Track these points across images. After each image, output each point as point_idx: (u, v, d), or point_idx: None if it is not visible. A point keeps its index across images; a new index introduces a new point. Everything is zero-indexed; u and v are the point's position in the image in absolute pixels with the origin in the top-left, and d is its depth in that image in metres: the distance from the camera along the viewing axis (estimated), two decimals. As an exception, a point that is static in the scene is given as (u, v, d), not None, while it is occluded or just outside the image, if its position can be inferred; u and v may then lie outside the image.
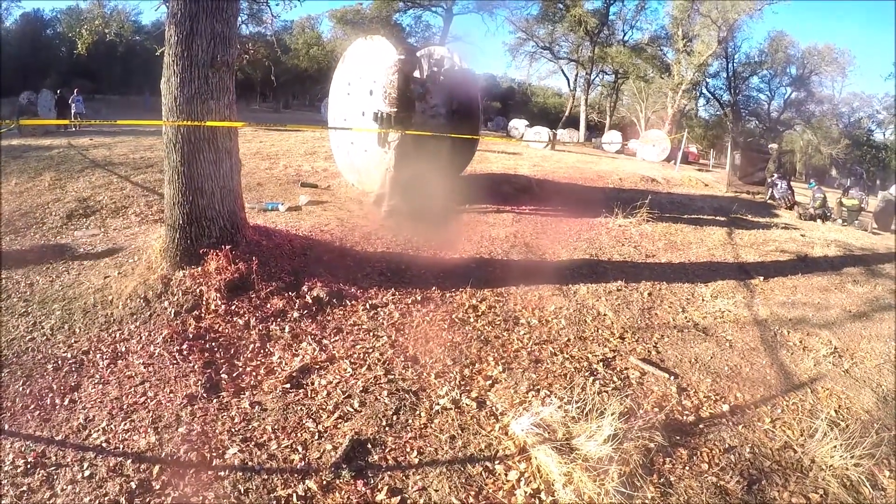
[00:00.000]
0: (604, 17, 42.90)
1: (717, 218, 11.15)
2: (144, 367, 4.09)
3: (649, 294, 6.32)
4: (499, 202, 9.69)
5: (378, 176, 8.59)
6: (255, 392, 3.91)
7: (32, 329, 4.56)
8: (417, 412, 3.79)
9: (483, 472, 3.27)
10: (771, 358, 5.15)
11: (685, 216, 10.72)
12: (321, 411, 3.73)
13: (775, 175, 15.74)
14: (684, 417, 4.05)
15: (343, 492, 3.04)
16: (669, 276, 7.00)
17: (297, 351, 4.44)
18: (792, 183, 15.80)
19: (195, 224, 5.20)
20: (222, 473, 3.11)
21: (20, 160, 11.17)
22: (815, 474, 3.54)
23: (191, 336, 4.46)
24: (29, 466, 3.11)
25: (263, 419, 3.61)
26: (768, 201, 15.03)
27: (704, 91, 45.99)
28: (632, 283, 6.52)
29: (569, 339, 5.09)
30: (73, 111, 22.38)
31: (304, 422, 3.60)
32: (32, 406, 3.68)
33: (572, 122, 44.86)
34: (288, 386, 3.97)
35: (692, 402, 4.27)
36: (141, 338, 4.45)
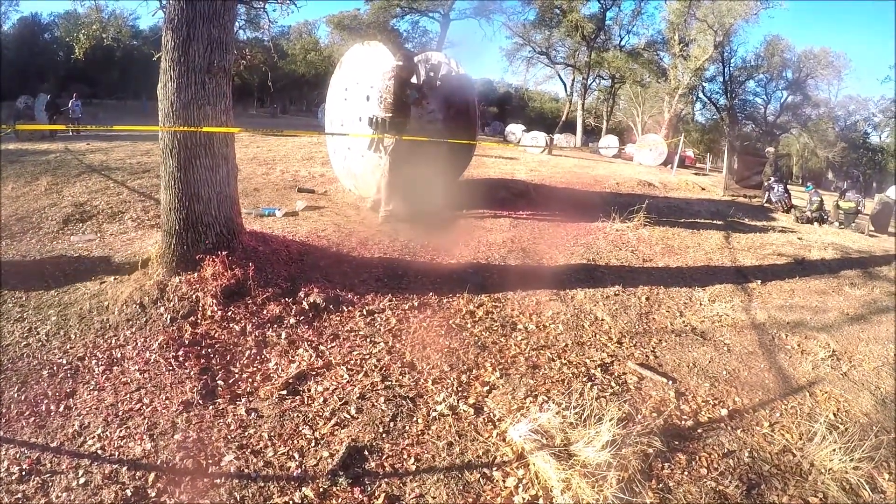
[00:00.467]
0: (600, 22, 43.12)
1: (715, 222, 11.16)
2: (140, 374, 4.07)
3: (647, 298, 6.31)
4: (496, 207, 9.69)
5: (375, 181, 8.59)
6: (251, 399, 3.89)
7: (28, 335, 4.53)
8: (415, 419, 3.77)
9: (481, 479, 3.25)
10: (769, 362, 5.14)
11: (682, 220, 10.73)
12: (318, 418, 3.71)
13: (772, 178, 15.77)
14: (683, 422, 4.03)
15: (340, 499, 3.02)
16: (667, 280, 6.99)
17: (293, 357, 4.42)
18: (789, 186, 15.83)
19: (191, 230, 5.18)
20: (218, 481, 3.09)
21: (17, 164, 11.16)
22: (814, 478, 3.53)
23: (187, 342, 4.44)
24: (24, 473, 3.09)
25: (260, 426, 3.59)
26: (765, 205, 15.06)
27: (701, 95, 46.22)
28: (629, 288, 6.51)
29: (566, 345, 5.08)
30: (70, 116, 22.41)
31: (300, 429, 3.58)
32: (27, 412, 3.65)
33: (569, 127, 45.04)
34: (284, 392, 3.95)
35: (690, 406, 4.26)
36: (137, 344, 4.42)
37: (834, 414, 4.37)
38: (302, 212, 8.52)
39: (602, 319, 5.68)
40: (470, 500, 3.09)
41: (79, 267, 5.80)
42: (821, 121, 48.37)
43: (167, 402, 3.78)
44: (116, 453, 3.29)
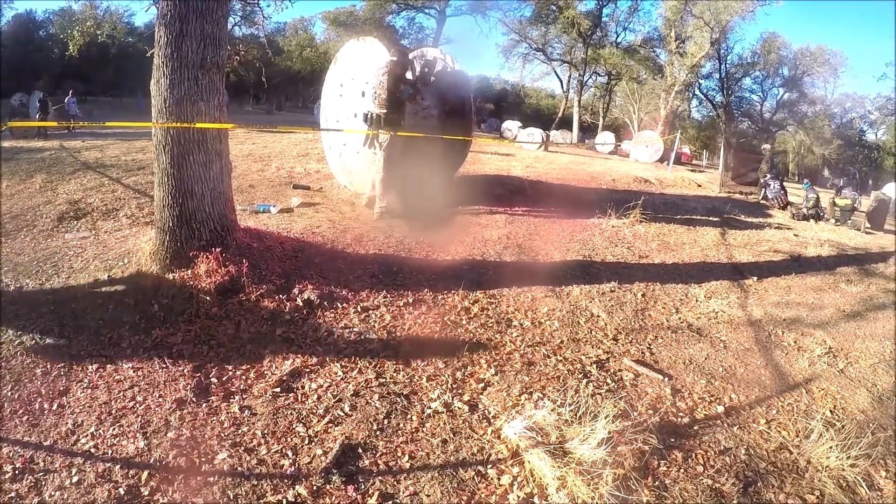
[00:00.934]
0: (597, 18, 43.09)
1: (711, 218, 11.16)
2: (133, 372, 4.04)
3: (643, 295, 6.30)
4: (492, 203, 9.67)
5: (370, 178, 8.56)
6: (244, 396, 3.87)
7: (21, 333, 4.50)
8: (409, 416, 3.76)
9: (475, 477, 3.24)
10: (765, 358, 5.14)
11: (678, 217, 10.72)
12: (312, 415, 3.69)
13: (768, 175, 15.78)
14: (679, 419, 4.02)
15: (333, 497, 3.00)
16: (663, 276, 6.98)
17: (287, 354, 4.40)
18: (785, 183, 15.83)
19: (185, 227, 5.16)
20: (211, 479, 3.07)
21: (11, 162, 11.10)
22: (811, 475, 3.53)
23: (180, 339, 4.42)
24: (17, 472, 3.06)
25: (253, 424, 3.57)
26: (761, 201, 15.08)
27: (697, 92, 46.31)
28: (625, 284, 6.50)
29: (562, 341, 5.06)
30: (67, 114, 22.35)
31: (294, 426, 3.56)
32: (21, 411, 3.62)
33: (565, 124, 45.04)
34: (278, 390, 3.93)
35: (686, 403, 4.25)
36: (130, 341, 4.39)
37: (831, 411, 4.37)
38: (297, 208, 8.49)
39: (598, 316, 5.67)
40: (464, 498, 3.08)
41: (73, 264, 5.77)
42: (817, 118, 48.50)
43: (160, 400, 3.76)
44: (109, 452, 3.26)
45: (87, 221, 7.64)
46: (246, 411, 3.69)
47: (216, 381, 4.01)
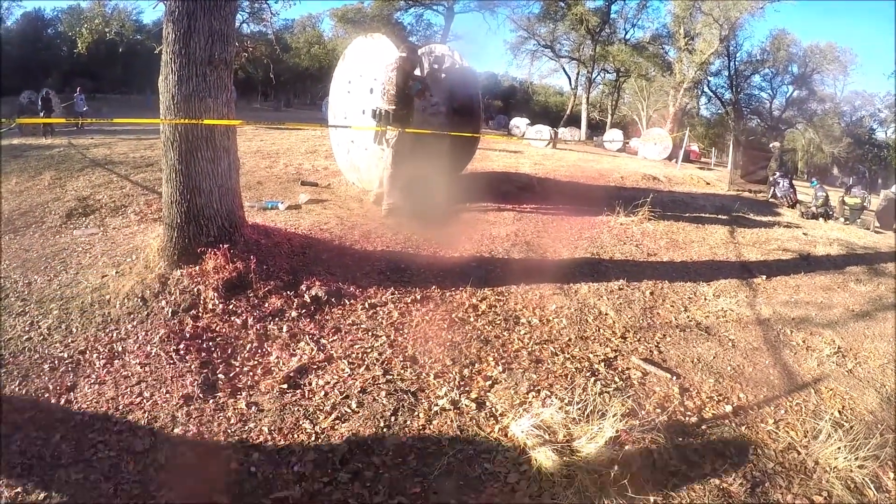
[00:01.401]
0: (605, 15, 42.88)
1: (719, 216, 11.10)
2: (141, 367, 4.06)
3: (651, 293, 6.28)
4: (500, 200, 9.65)
5: (378, 174, 8.55)
6: (251, 392, 3.87)
7: (30, 329, 4.53)
8: (416, 413, 3.75)
9: (482, 475, 3.23)
10: (774, 358, 5.11)
11: (687, 214, 10.67)
12: (318, 412, 3.69)
13: (777, 173, 15.67)
14: (687, 418, 4.00)
15: (340, 494, 3.00)
16: (671, 274, 6.95)
17: (294, 351, 4.40)
18: (794, 181, 15.74)
19: (193, 223, 5.16)
20: (217, 475, 3.08)
21: (21, 159, 11.16)
22: (818, 476, 3.50)
23: (188, 335, 4.43)
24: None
25: (260, 420, 3.57)
26: (770, 200, 14.99)
27: (706, 89, 46.03)
28: (633, 282, 6.48)
29: (570, 339, 5.05)
30: (74, 111, 22.47)
31: (301, 423, 3.57)
32: (29, 407, 3.65)
33: (574, 121, 44.90)
34: (285, 386, 3.94)
35: (694, 402, 4.23)
36: (138, 337, 4.41)
37: (839, 412, 4.34)
38: (305, 205, 8.50)
39: (606, 314, 5.65)
40: (471, 495, 3.07)
41: (81, 260, 5.80)
42: (826, 116, 48.19)
43: (168, 395, 3.77)
44: (117, 447, 3.27)
45: (95, 218, 7.68)
46: (253, 407, 3.70)
47: (223, 377, 4.02)
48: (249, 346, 4.42)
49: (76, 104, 23.64)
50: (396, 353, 4.47)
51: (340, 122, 9.58)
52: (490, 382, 4.19)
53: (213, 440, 3.38)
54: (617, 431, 3.40)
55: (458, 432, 3.58)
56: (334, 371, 4.17)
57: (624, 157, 25.37)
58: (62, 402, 3.68)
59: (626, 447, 3.41)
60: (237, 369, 4.14)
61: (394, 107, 7.74)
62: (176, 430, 3.44)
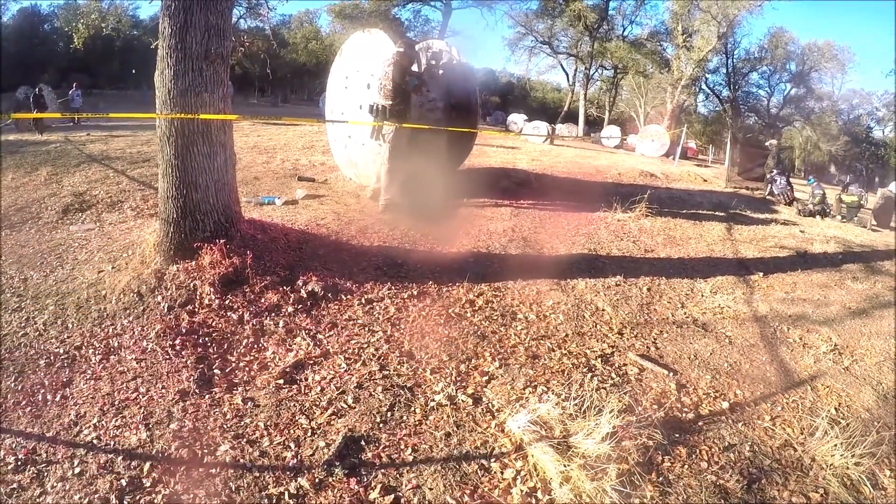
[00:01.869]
0: (603, 12, 42.90)
1: (717, 213, 11.10)
2: (137, 363, 4.05)
3: (648, 289, 6.27)
4: (497, 196, 9.64)
5: (375, 170, 8.54)
6: (247, 388, 3.86)
7: (25, 324, 4.52)
8: (412, 409, 3.74)
9: (479, 470, 3.23)
10: (771, 355, 5.11)
11: (684, 211, 10.67)
12: (314, 407, 3.68)
13: (774, 171, 15.66)
14: (683, 415, 4.00)
15: (336, 490, 2.99)
16: (668, 271, 6.95)
17: (290, 346, 4.39)
18: (791, 179, 15.74)
19: (189, 218, 5.15)
20: (213, 470, 3.07)
21: (17, 155, 11.14)
22: (815, 473, 3.50)
23: (184, 331, 4.42)
24: (19, 463, 3.08)
25: (256, 415, 3.56)
26: (767, 197, 14.98)
27: (704, 87, 46.03)
28: (631, 279, 6.48)
29: (567, 335, 5.04)
30: (70, 106, 22.41)
31: (297, 418, 3.56)
32: (24, 402, 3.64)
33: (571, 117, 44.90)
34: (281, 382, 3.93)
35: (691, 399, 4.23)
36: (133, 333, 4.40)
37: (835, 409, 4.34)
38: (302, 200, 8.48)
39: (603, 310, 5.64)
40: (467, 491, 3.06)
41: (77, 256, 5.78)
42: (824, 114, 48.23)
43: (163, 391, 3.76)
44: (112, 443, 3.27)
45: (91, 213, 7.66)
46: (249, 403, 3.69)
47: (219, 372, 4.01)
48: (245, 341, 4.41)
49: (72, 100, 23.55)
50: (393, 349, 4.47)
51: (338, 118, 9.56)
52: (487, 378, 4.18)
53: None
54: (614, 427, 3.39)
55: (455, 428, 3.58)
56: (331, 366, 4.16)
57: (621, 154, 25.39)
58: (57, 397, 3.67)
59: (624, 443, 3.40)
60: (233, 365, 4.13)
61: (390, 102, 7.72)
62: (172, 425, 3.43)
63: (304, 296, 5.04)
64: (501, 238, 7.39)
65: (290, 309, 4.86)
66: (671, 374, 4.52)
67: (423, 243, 6.82)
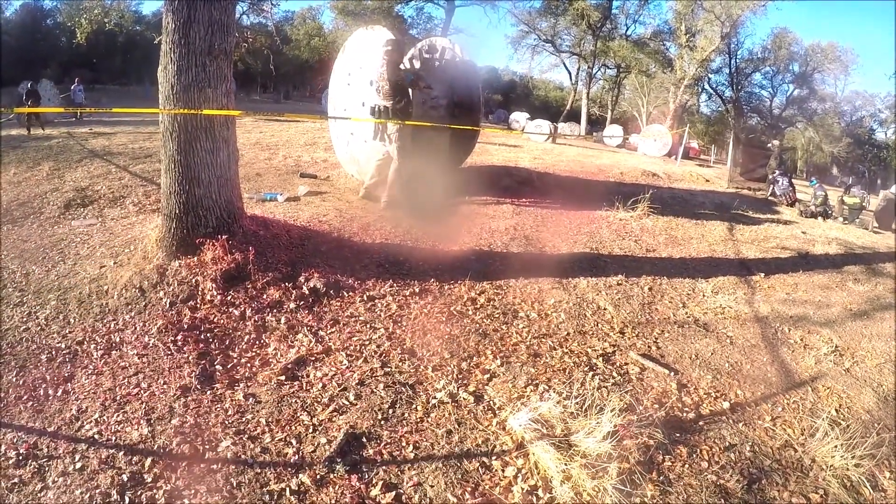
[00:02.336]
0: (606, 10, 42.88)
1: (718, 213, 11.10)
2: (138, 358, 4.05)
3: (650, 289, 6.27)
4: (499, 194, 9.63)
5: (376, 167, 8.53)
6: (249, 384, 3.87)
7: (27, 319, 4.53)
8: (414, 406, 3.75)
9: (480, 468, 3.23)
10: (772, 355, 5.11)
11: (686, 211, 10.66)
12: (316, 404, 3.68)
13: (777, 172, 15.67)
14: (684, 414, 4.00)
15: (337, 486, 2.99)
16: (670, 270, 6.95)
17: (292, 342, 4.40)
18: (793, 180, 15.74)
19: (191, 213, 5.14)
20: (215, 466, 3.07)
21: (19, 150, 11.15)
22: (815, 474, 3.50)
23: (186, 326, 4.42)
24: (21, 458, 3.08)
25: (257, 412, 3.56)
26: (769, 198, 14.98)
27: (706, 87, 46.08)
28: (632, 278, 6.47)
29: (568, 334, 5.04)
30: (75, 101, 22.41)
31: (298, 415, 3.56)
32: (25, 397, 3.65)
33: (574, 116, 44.93)
34: (283, 378, 3.93)
35: (692, 398, 4.22)
36: (135, 328, 4.40)
37: (836, 410, 4.34)
38: (304, 197, 8.49)
39: (604, 309, 5.64)
40: (468, 489, 3.06)
41: (79, 251, 5.78)
42: (826, 115, 48.23)
43: (165, 386, 3.76)
44: (113, 438, 3.27)
45: (93, 209, 7.66)
46: (250, 399, 3.69)
47: (221, 368, 4.02)
48: (247, 337, 4.41)
49: (74, 95, 23.57)
50: (395, 346, 4.47)
51: (340, 115, 9.55)
52: (488, 376, 4.18)
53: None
54: (615, 426, 3.40)
55: (456, 425, 3.58)
56: (332, 363, 4.16)
57: (623, 153, 25.39)
58: (59, 392, 3.68)
59: (624, 442, 3.41)
60: (235, 361, 4.13)
61: (391, 101, 7.71)
62: (173, 421, 3.43)
63: (306, 292, 5.04)
64: (503, 236, 7.39)
65: (292, 305, 4.86)
66: (672, 373, 4.51)
67: (425, 241, 6.82)
